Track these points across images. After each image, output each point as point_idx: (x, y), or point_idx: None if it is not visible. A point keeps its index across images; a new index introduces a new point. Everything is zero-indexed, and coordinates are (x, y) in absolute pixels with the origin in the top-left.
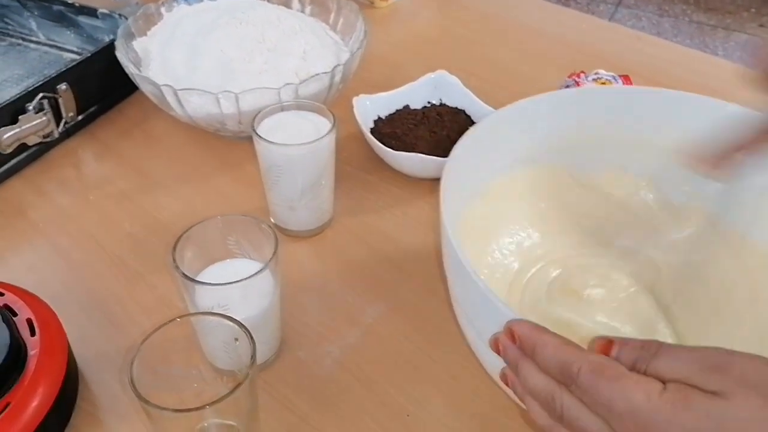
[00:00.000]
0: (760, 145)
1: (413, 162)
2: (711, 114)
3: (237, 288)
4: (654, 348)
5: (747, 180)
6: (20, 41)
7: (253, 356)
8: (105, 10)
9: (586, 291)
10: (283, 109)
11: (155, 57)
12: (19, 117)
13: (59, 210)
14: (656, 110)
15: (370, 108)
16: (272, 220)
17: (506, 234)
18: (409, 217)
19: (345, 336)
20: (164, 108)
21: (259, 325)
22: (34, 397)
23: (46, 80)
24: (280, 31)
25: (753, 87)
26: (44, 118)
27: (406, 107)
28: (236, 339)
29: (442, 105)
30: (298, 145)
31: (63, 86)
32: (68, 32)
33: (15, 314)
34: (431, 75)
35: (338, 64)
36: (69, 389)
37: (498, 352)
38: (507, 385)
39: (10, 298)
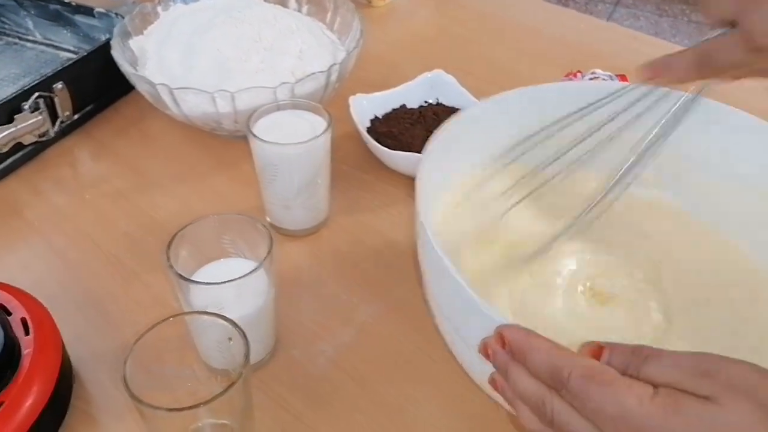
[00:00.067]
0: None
1: (409, 161)
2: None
3: (231, 287)
4: (645, 353)
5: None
6: (17, 40)
7: (247, 355)
8: (101, 9)
9: (579, 288)
10: (279, 108)
11: (151, 56)
12: (15, 116)
13: (55, 209)
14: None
15: (366, 107)
16: (268, 219)
17: (487, 226)
18: (405, 216)
19: (339, 335)
20: (160, 107)
21: (254, 324)
22: (28, 396)
23: (41, 79)
24: (277, 31)
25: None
26: (40, 117)
27: (403, 106)
28: (230, 338)
29: (438, 104)
30: (293, 144)
31: (59, 85)
32: (65, 31)
33: (9, 313)
34: (428, 74)
35: (334, 63)
36: (63, 388)
37: (487, 357)
38: (496, 390)
39: (4, 297)
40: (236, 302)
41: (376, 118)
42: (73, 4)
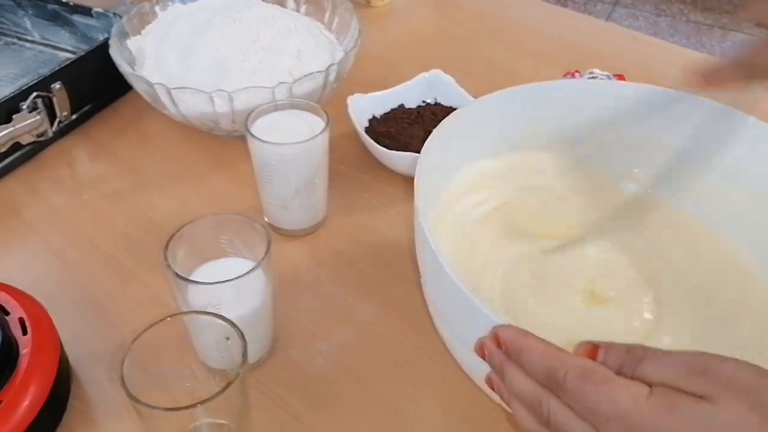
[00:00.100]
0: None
1: (408, 161)
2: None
3: (229, 287)
4: (640, 352)
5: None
6: (15, 40)
7: (245, 355)
8: (99, 9)
9: (576, 288)
10: (277, 108)
11: (149, 56)
12: (13, 116)
13: (53, 209)
14: (635, 105)
15: (364, 107)
16: (266, 219)
17: (484, 226)
18: (403, 216)
19: (338, 335)
20: (158, 107)
21: (252, 324)
22: (26, 396)
23: (39, 79)
24: (275, 30)
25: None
26: (38, 117)
27: (401, 106)
28: (228, 338)
29: (436, 104)
30: (290, 144)
31: (57, 85)
32: (63, 31)
33: (7, 313)
34: (425, 74)
35: (332, 64)
36: (61, 388)
37: (483, 357)
38: (492, 389)
39: (2, 297)
40: (234, 302)
41: (374, 118)
42: (71, 4)
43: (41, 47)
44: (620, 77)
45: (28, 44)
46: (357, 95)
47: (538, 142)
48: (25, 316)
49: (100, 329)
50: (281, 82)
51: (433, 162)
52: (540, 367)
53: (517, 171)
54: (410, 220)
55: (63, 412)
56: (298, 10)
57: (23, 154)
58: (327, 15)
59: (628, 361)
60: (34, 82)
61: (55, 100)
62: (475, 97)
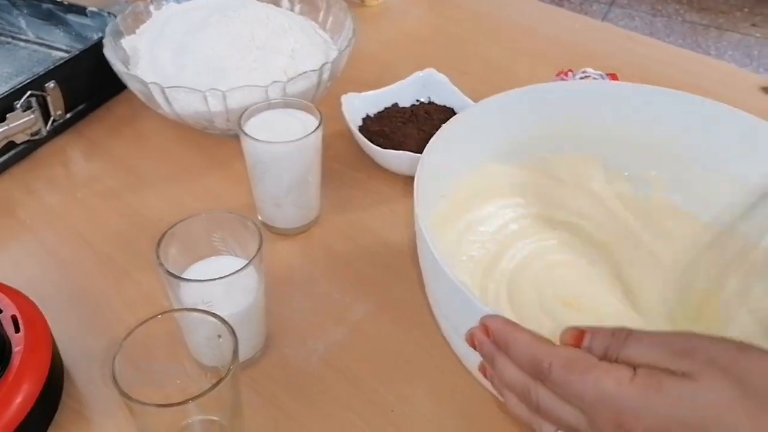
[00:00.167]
0: None
1: (401, 160)
2: (699, 112)
3: (221, 284)
4: (624, 335)
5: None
6: (9, 39)
7: (236, 351)
8: (94, 9)
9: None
10: (270, 107)
11: (144, 55)
12: (7, 115)
13: (47, 208)
14: (630, 105)
15: (358, 106)
16: (259, 217)
17: (483, 225)
18: (397, 214)
19: (331, 333)
20: (152, 106)
21: (244, 322)
22: (18, 394)
23: (34, 78)
24: (270, 30)
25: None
26: (32, 116)
27: (395, 105)
28: (219, 335)
29: (430, 103)
30: (282, 143)
31: (51, 84)
32: (57, 30)
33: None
34: (419, 73)
35: (326, 62)
36: (54, 386)
37: (474, 347)
38: (485, 377)
39: None
40: (226, 299)
41: (368, 116)
42: (66, 3)
43: (36, 46)
44: (613, 77)
45: (22, 43)
46: (351, 94)
47: (539, 145)
48: (17, 314)
49: (94, 327)
50: (275, 81)
51: (435, 162)
52: (525, 358)
53: (522, 174)
54: (403, 219)
55: (55, 410)
56: (292, 10)
57: (17, 153)
58: (321, 14)
59: (613, 345)
60: (29, 81)
61: (49, 99)
62: (470, 96)
